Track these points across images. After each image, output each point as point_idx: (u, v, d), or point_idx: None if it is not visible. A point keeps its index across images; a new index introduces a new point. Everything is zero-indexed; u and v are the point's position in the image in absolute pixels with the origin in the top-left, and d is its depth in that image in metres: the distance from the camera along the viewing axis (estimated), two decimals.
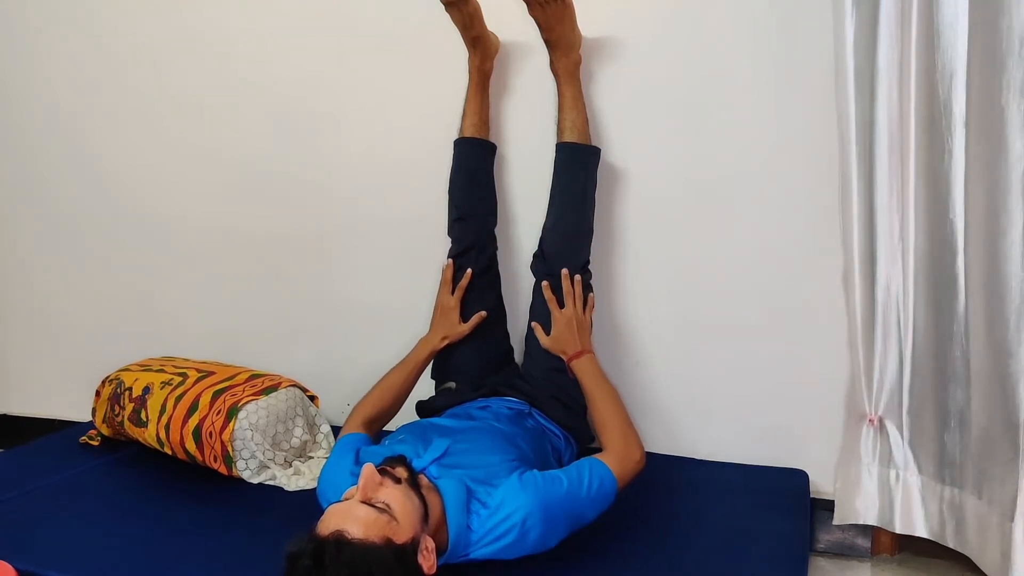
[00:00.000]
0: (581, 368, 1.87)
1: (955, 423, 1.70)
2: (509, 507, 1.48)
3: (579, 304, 1.93)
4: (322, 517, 1.34)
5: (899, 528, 1.80)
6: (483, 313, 2.02)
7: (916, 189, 1.70)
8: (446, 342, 2.02)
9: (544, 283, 1.95)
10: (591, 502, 1.56)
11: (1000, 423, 1.59)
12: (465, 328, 2.01)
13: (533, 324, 1.97)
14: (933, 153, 1.65)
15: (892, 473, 1.81)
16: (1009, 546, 1.57)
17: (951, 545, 1.74)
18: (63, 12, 2.55)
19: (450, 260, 2.05)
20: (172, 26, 2.43)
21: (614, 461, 1.62)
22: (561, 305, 1.94)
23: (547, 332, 1.94)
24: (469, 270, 2.02)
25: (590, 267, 2.00)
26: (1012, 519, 1.56)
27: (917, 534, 1.79)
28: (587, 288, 1.98)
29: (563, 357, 1.91)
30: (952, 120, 1.60)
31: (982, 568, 1.67)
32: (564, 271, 1.94)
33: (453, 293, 2.03)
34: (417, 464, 1.53)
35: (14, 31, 2.62)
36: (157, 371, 2.20)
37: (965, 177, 1.60)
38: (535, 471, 1.58)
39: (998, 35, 1.49)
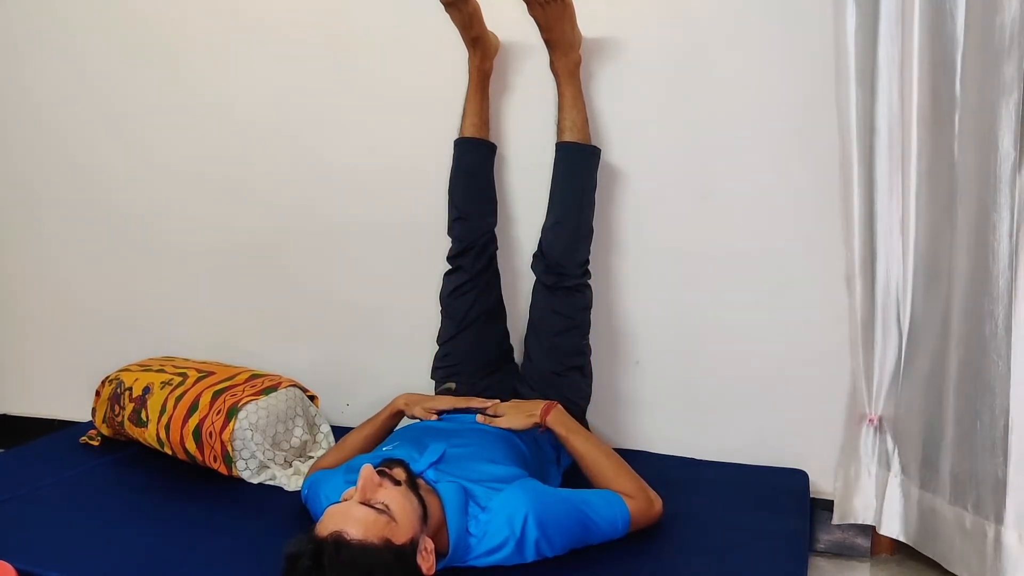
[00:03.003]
0: (560, 420, 1.73)
1: (941, 426, 1.70)
2: (507, 513, 1.48)
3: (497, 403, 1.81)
4: (321, 518, 1.34)
5: (883, 530, 1.81)
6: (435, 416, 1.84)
7: (917, 187, 1.70)
8: (413, 419, 1.87)
9: (478, 416, 1.78)
10: (595, 528, 1.56)
11: (987, 427, 1.58)
12: (435, 417, 1.82)
13: (480, 418, 1.77)
14: (934, 151, 1.65)
15: (886, 474, 1.81)
16: (997, 552, 1.56)
17: (928, 553, 1.74)
18: (54, 25, 2.56)
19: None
20: (171, 28, 2.43)
21: (633, 504, 1.61)
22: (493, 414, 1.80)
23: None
24: (498, 401, 1.84)
25: (590, 267, 2.00)
26: (1002, 523, 1.56)
27: (896, 537, 1.80)
28: (585, 288, 1.99)
29: (539, 423, 1.73)
30: (954, 118, 1.60)
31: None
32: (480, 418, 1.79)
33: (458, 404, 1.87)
34: (414, 469, 1.53)
35: (2, 45, 2.63)
36: (157, 371, 2.20)
37: (958, 175, 1.60)
38: (537, 481, 1.59)
39: (992, 32, 1.48)
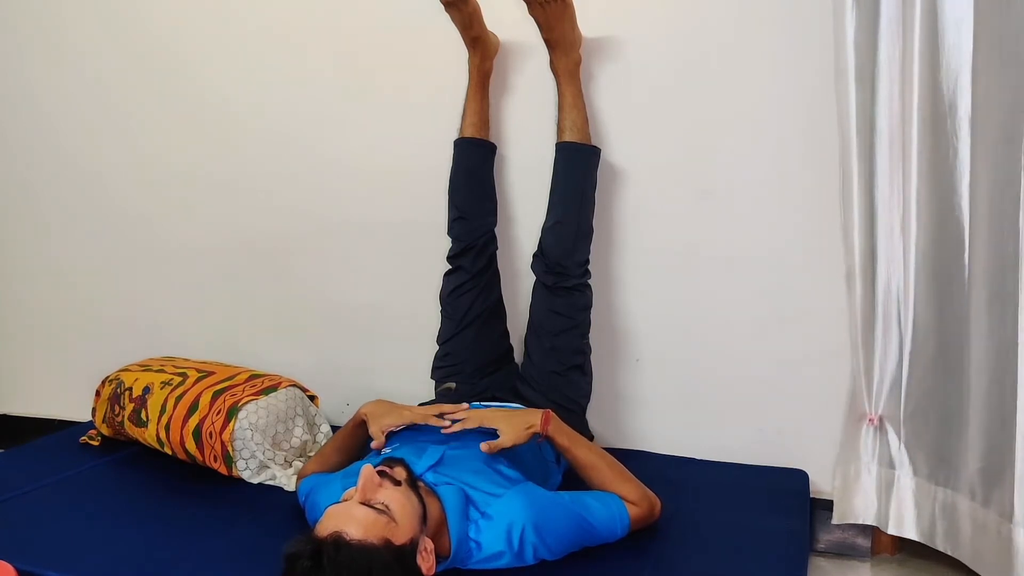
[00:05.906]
0: (560, 430, 1.67)
1: (953, 424, 1.70)
2: (506, 521, 1.49)
3: (484, 414, 1.73)
4: (321, 518, 1.34)
5: (892, 529, 1.80)
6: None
7: (918, 187, 1.69)
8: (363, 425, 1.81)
9: (482, 445, 1.63)
10: (594, 532, 1.56)
11: (1000, 423, 1.59)
12: (383, 442, 1.73)
13: (484, 447, 1.63)
14: (936, 151, 1.65)
15: (890, 473, 1.80)
16: (1009, 549, 1.56)
17: (941, 548, 1.74)
18: (55, 26, 2.56)
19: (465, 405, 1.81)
20: (172, 28, 2.43)
21: (635, 510, 1.60)
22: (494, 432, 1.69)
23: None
24: (465, 406, 1.80)
25: (589, 267, 2.00)
26: (1011, 521, 1.56)
27: (907, 536, 1.79)
28: (585, 288, 1.99)
29: (539, 431, 1.65)
30: (957, 118, 1.60)
31: (978, 572, 1.66)
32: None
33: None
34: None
35: (3, 46, 2.64)
36: (157, 371, 2.20)
37: (971, 175, 1.59)
38: (537, 486, 1.59)
39: (998, 33, 1.48)
